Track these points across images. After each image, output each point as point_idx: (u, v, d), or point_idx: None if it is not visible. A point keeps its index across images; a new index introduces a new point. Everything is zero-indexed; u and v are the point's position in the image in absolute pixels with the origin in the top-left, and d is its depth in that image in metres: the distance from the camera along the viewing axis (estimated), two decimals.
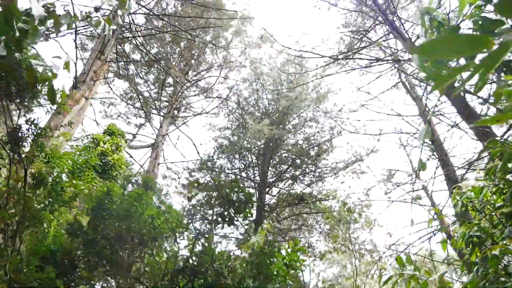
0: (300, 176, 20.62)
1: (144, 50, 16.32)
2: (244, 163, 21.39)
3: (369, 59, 11.51)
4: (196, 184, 5.79)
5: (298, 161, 20.16)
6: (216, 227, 5.89)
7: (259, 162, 20.71)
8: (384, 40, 12.13)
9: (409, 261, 3.96)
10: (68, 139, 7.65)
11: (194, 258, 5.65)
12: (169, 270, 5.62)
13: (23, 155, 5.60)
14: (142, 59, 19.07)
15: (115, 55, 14.77)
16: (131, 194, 6.06)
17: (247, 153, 20.96)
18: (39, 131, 5.75)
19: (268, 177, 20.50)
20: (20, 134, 5.48)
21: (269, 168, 20.74)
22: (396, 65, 12.09)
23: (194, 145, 19.04)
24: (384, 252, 16.94)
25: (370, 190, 18.73)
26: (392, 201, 15.23)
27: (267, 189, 20.04)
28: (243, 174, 21.34)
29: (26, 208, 5.18)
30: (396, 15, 10.08)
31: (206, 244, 5.72)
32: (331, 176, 20.03)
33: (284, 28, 56.62)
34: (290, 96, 19.63)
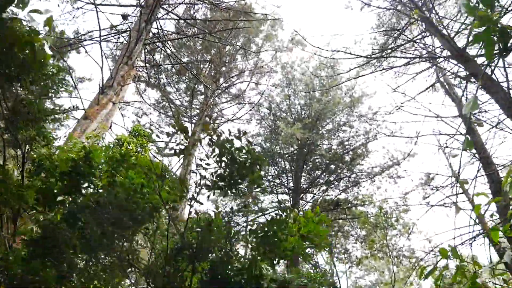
0: (335, 181, 20.22)
1: (175, 58, 16.41)
2: (277, 169, 21.17)
3: (406, 57, 11.09)
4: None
5: (332, 166, 19.77)
6: (214, 193, 4.69)
7: (292, 168, 20.44)
8: (420, 39, 11.67)
9: (455, 254, 3.48)
10: (88, 136, 7.38)
11: (195, 236, 4.59)
12: (163, 250, 4.67)
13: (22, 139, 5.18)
14: (172, 68, 19.20)
15: (145, 64, 14.88)
16: (114, 156, 4.97)
17: (280, 159, 20.74)
18: (39, 114, 5.11)
19: (302, 183, 20.20)
20: (17, 116, 4.95)
21: (303, 174, 20.45)
22: (434, 63, 11.61)
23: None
24: (422, 259, 16.32)
25: (408, 195, 18.13)
26: (432, 206, 14.62)
27: (301, 195, 19.73)
28: (277, 181, 21.11)
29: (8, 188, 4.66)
30: (433, 11, 9.68)
31: (208, 219, 4.63)
32: (366, 181, 19.54)
33: (315, 32, 56.28)
34: (323, 100, 19.30)
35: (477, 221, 12.97)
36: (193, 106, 20.66)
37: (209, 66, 20.94)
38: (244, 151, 4.57)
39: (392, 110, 13.99)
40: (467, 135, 2.94)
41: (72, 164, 4.92)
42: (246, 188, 4.91)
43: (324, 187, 20.36)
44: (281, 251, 4.46)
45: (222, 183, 4.61)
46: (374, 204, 18.67)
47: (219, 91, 21.22)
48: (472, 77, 9.29)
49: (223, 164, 4.56)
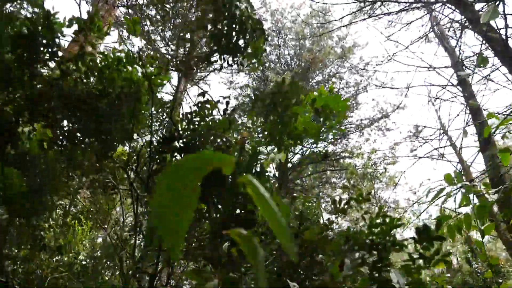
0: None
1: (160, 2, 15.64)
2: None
3: (401, 2, 10.62)
4: None
5: None
6: (210, 64, 3.85)
7: None
8: None
9: (459, 179, 3.34)
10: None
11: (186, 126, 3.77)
12: (147, 143, 3.86)
13: None
14: (157, 14, 18.38)
15: (127, 7, 14.14)
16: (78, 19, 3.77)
17: None
18: None
19: None
20: None
21: None
22: (429, 9, 11.18)
23: (214, 102, 18.43)
24: (406, 210, 16.63)
25: (397, 146, 18.20)
26: (419, 158, 14.65)
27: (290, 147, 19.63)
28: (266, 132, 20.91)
29: None
30: None
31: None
32: (355, 133, 19.47)
33: None
34: (314, 49, 18.81)
35: (462, 172, 13.06)
36: (179, 54, 20.02)
37: (196, 13, 20.11)
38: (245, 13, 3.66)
39: (384, 60, 13.67)
40: (482, 53, 2.67)
41: (28, 25, 3.62)
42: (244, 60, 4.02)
43: None
44: (290, 130, 3.74)
45: (216, 46, 3.79)
46: (362, 155, 18.73)
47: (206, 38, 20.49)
48: (469, 23, 8.93)
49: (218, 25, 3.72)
